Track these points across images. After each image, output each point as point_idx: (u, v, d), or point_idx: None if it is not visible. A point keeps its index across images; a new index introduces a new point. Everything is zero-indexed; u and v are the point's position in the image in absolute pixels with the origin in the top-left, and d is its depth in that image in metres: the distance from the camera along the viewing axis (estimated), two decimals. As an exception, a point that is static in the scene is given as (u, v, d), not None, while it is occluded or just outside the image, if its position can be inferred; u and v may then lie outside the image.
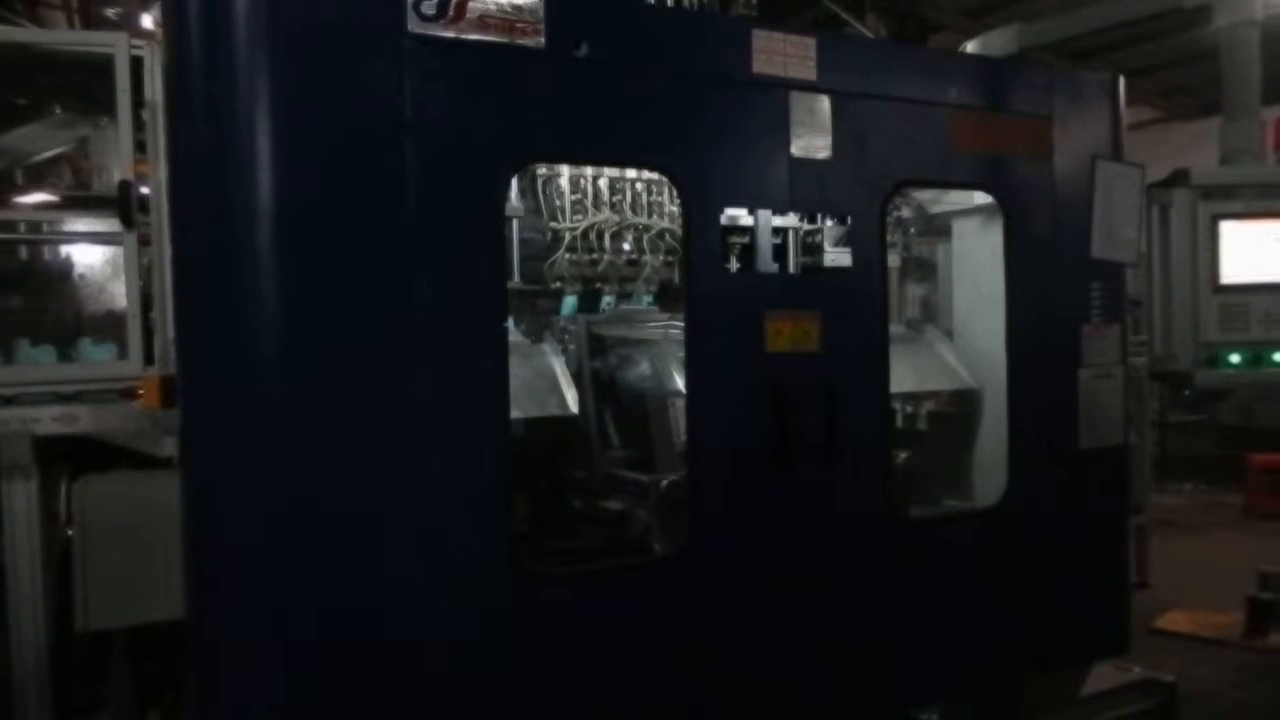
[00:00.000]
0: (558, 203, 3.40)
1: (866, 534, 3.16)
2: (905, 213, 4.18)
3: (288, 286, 2.38)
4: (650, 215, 3.52)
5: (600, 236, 3.43)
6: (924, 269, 4.44)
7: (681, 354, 3.45)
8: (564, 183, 3.39)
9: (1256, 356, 4.19)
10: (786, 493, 2.98)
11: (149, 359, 3.82)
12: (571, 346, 3.44)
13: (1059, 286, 3.57)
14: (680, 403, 3.25)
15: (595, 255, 3.45)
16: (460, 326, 2.54)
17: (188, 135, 2.46)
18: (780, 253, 3.33)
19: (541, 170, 3.38)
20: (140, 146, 3.90)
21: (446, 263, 2.52)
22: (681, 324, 3.52)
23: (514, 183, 3.33)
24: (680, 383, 3.32)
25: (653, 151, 2.85)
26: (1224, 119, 4.64)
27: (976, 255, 3.89)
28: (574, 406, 3.15)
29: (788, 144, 2.99)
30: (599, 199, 3.45)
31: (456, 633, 2.53)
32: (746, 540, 2.95)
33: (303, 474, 2.38)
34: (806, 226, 3.57)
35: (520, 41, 2.61)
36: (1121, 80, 3.72)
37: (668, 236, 3.52)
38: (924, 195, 4.12)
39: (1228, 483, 9.56)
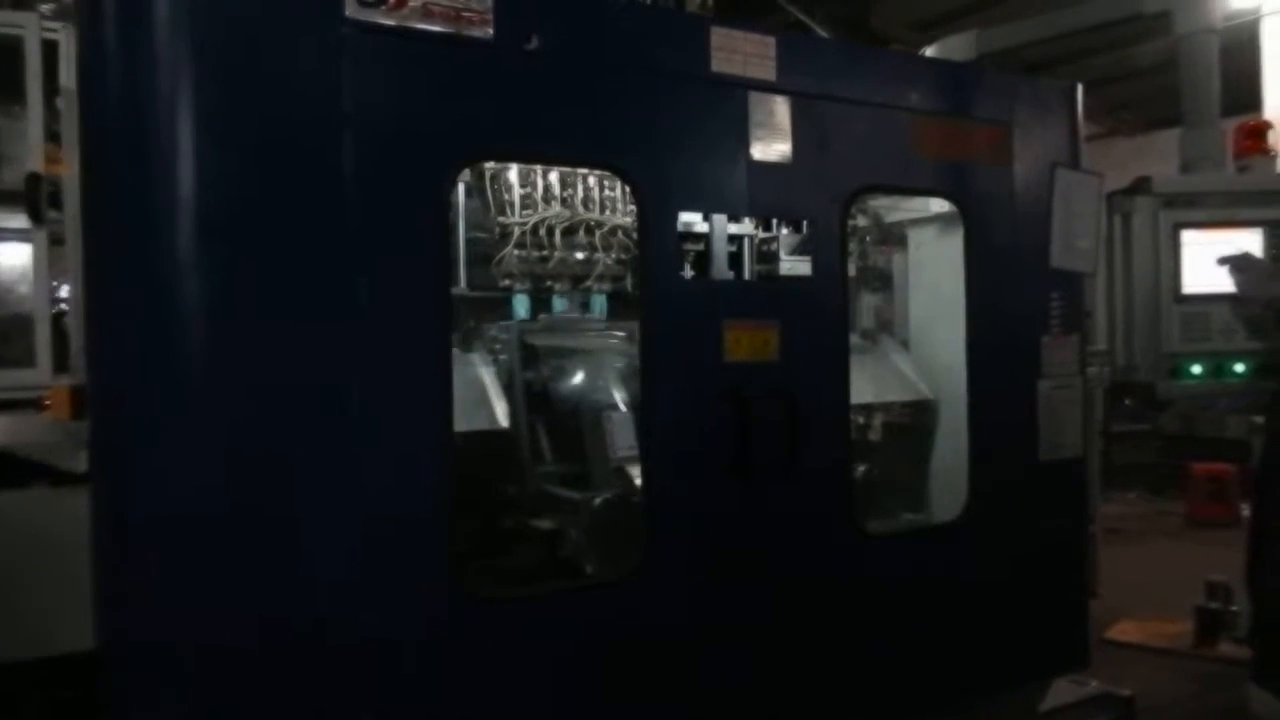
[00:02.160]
0: (506, 197, 3.24)
1: (826, 548, 3.06)
2: (861, 221, 4.11)
3: (210, 289, 2.21)
4: (603, 211, 3.38)
5: (551, 232, 3.28)
6: (880, 278, 4.38)
7: (619, 364, 3.31)
8: (513, 176, 3.24)
9: (1218, 367, 4.19)
10: (746, 505, 2.87)
11: (61, 366, 3.58)
12: (503, 356, 3.27)
13: (1019, 296, 3.52)
14: (617, 416, 3.12)
15: (545, 252, 3.30)
16: (401, 332, 2.39)
17: (102, 124, 2.27)
18: (735, 261, 3.25)
19: (490, 164, 3.23)
20: (54, 137, 3.65)
21: (387, 265, 2.36)
22: (620, 333, 3.40)
23: (461, 186, 3.20)
24: (618, 396, 3.16)
25: (607, 151, 2.72)
26: (1184, 127, 4.65)
27: (933, 264, 3.85)
28: (504, 420, 3.01)
29: (747, 146, 2.89)
30: (549, 193, 3.30)
31: (392, 659, 2.36)
32: (704, 555, 2.83)
33: (224, 489, 2.20)
34: (762, 234, 3.51)
35: (467, 32, 2.47)
36: (1080, 88, 3.69)
37: (621, 233, 3.39)
38: (880, 203, 4.06)
39: (1169, 491, 9.70)
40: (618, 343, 3.43)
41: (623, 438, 3.13)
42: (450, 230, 3.14)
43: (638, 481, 2.93)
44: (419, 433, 2.41)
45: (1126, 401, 8.11)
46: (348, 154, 2.31)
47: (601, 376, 3.29)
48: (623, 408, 3.22)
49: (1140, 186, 4.42)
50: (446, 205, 2.49)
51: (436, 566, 2.43)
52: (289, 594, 2.26)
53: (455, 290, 3.23)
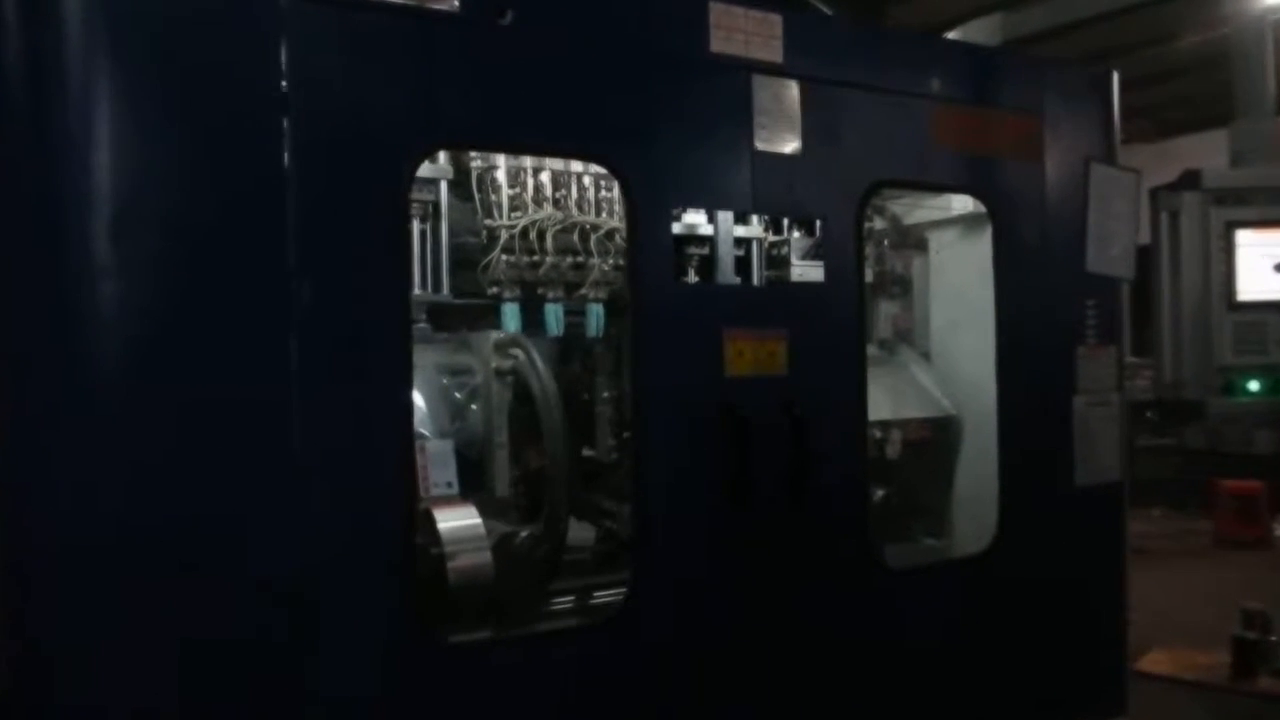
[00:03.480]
0: (494, 198, 2.95)
1: (839, 585, 2.73)
2: (878, 223, 3.81)
3: (129, 295, 1.92)
4: (599, 213, 3.07)
5: (542, 236, 2.98)
6: (898, 284, 4.07)
7: (444, 380, 2.90)
8: (501, 176, 2.94)
9: (1277, 383, 3.81)
10: (746, 538, 2.55)
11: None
12: None
13: (1052, 303, 3.20)
14: (430, 447, 2.59)
15: (536, 257, 2.99)
16: (351, 343, 2.08)
17: (4, 109, 1.97)
18: (743, 266, 2.94)
19: (476, 162, 2.93)
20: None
21: (335, 268, 2.06)
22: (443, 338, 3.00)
23: (443, 183, 2.89)
24: (429, 426, 2.70)
25: (591, 139, 2.41)
26: (1235, 119, 4.30)
27: (956, 269, 3.58)
28: None
29: (750, 135, 2.58)
30: (540, 194, 3.00)
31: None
32: (699, 594, 2.51)
33: (143, 517, 1.91)
34: (771, 237, 3.20)
35: (430, 4, 2.17)
36: (1115, 75, 3.37)
37: (618, 237, 3.08)
38: (898, 203, 3.75)
39: (1194, 508, 9.33)
40: (436, 354, 2.94)
41: (440, 471, 2.58)
42: (436, 233, 2.87)
43: (444, 525, 2.48)
44: (373, 457, 2.10)
45: (1148, 414, 7.75)
46: (288, 143, 2.01)
47: (416, 396, 2.58)
48: (437, 435, 2.68)
49: (1188, 181, 4.03)
50: (405, 200, 2.19)
51: (393, 610, 2.11)
52: (229, 638, 1.96)
53: (438, 297, 2.93)
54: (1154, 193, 3.60)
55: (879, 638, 2.80)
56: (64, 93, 1.91)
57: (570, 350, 3.21)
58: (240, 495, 1.98)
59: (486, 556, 2.49)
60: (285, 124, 2.01)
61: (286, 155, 2.01)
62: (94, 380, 1.92)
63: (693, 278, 2.89)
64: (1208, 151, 7.05)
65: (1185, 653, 5.58)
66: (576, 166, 3.05)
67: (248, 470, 1.98)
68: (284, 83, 2.00)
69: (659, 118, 2.46)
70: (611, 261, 3.10)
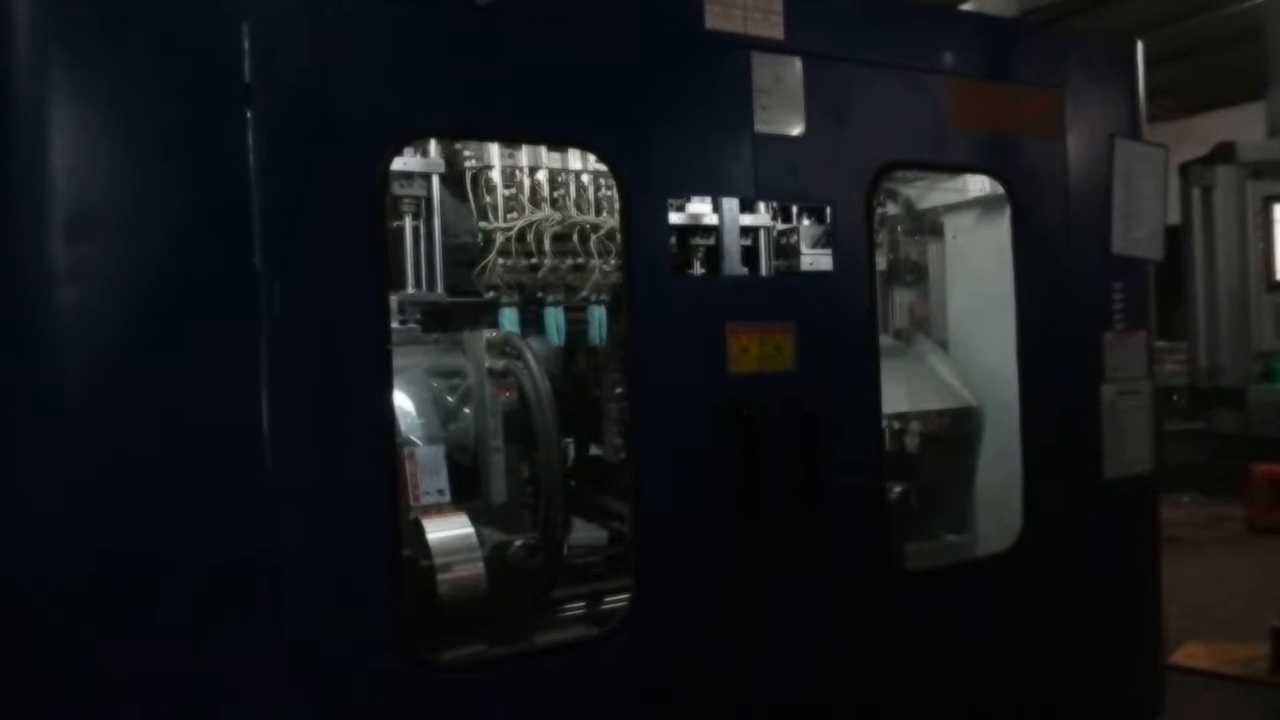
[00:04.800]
0: (488, 199, 2.82)
1: (856, 594, 2.58)
2: (890, 209, 3.65)
3: (79, 299, 1.79)
4: (599, 213, 2.94)
5: (540, 238, 2.85)
6: (913, 272, 3.92)
7: (435, 384, 2.74)
8: (496, 175, 2.81)
9: (1322, 370, 3.61)
10: (756, 547, 2.40)
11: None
12: None
13: (1076, 287, 3.03)
14: (419, 454, 2.44)
15: (534, 260, 2.86)
16: (324, 347, 1.96)
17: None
18: (750, 256, 2.81)
19: (470, 161, 2.80)
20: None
21: (304, 268, 1.94)
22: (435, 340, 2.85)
23: (435, 177, 2.77)
24: (418, 432, 2.54)
25: (579, 125, 2.27)
26: (1272, 86, 4.07)
27: (973, 254, 3.43)
28: None
29: (750, 117, 2.43)
30: (538, 194, 2.87)
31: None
32: (706, 608, 2.36)
33: (94, 533, 1.79)
34: (780, 225, 3.06)
35: (405, -16, 2.04)
36: (1140, 46, 3.19)
37: (619, 237, 2.94)
38: (911, 187, 3.59)
39: (1226, 494, 9.08)
40: (426, 356, 2.78)
41: (431, 479, 2.43)
42: (429, 230, 2.76)
43: (434, 536, 2.35)
44: (351, 467, 1.97)
45: (1175, 397, 7.52)
46: (252, 134, 1.88)
47: (404, 400, 2.54)
48: (427, 440, 2.52)
49: (1222, 154, 3.79)
50: (380, 194, 2.05)
51: (377, 631, 1.99)
52: (199, 664, 1.84)
53: (433, 296, 2.81)
54: (1185, 167, 3.38)
55: (900, 648, 2.65)
56: (10, 87, 1.80)
57: (574, 344, 3.08)
58: (205, 508, 1.86)
59: (479, 568, 2.37)
60: (249, 115, 1.88)
61: (251, 148, 1.89)
62: (46, 389, 1.81)
63: (698, 269, 2.78)
64: (1232, 129, 6.82)
65: (1222, 645, 5.39)
66: (575, 164, 2.93)
67: (213, 482, 1.86)
68: (247, 69, 1.88)
69: (652, 100, 2.32)
70: (614, 263, 2.97)
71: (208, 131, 1.88)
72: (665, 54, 2.33)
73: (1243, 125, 7.63)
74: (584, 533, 2.92)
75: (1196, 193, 3.76)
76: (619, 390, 2.95)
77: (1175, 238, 3.62)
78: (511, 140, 2.68)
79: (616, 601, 2.81)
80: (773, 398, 2.42)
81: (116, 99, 1.83)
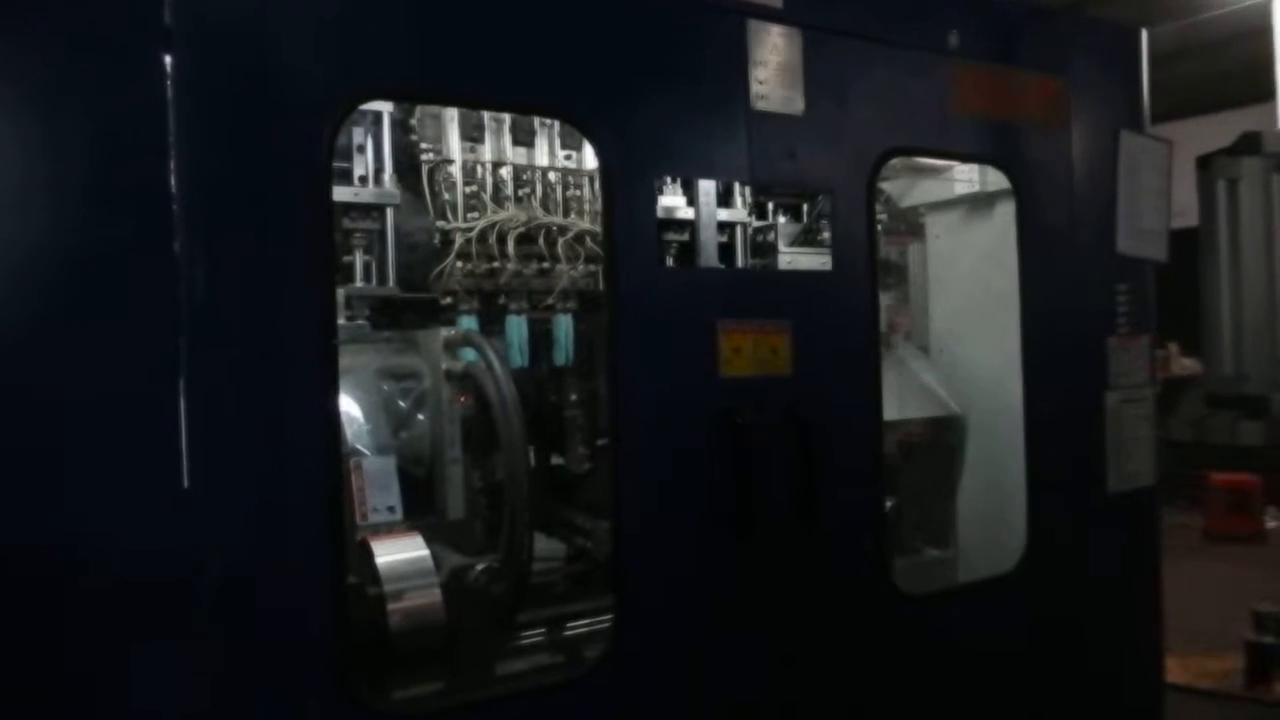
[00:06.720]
0: (447, 197, 2.54)
1: (853, 617, 2.35)
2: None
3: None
4: (568, 214, 2.68)
5: (503, 240, 2.57)
6: (892, 274, 3.72)
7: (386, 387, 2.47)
8: (456, 171, 2.53)
9: (1356, 379, 3.47)
10: (749, 567, 2.15)
11: None
12: None
13: (1081, 288, 2.83)
14: (367, 466, 2.21)
15: (496, 264, 2.58)
16: (255, 341, 1.66)
17: None
18: (726, 253, 2.57)
19: (427, 155, 2.51)
20: None
21: (232, 248, 1.64)
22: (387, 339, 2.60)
23: (388, 166, 2.47)
24: (366, 441, 2.29)
25: (554, 91, 2.00)
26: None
27: (958, 256, 3.25)
28: None
29: (746, 92, 2.19)
30: (501, 192, 2.60)
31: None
32: (690, 636, 2.11)
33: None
34: (756, 222, 2.83)
35: (357, -76, 1.75)
36: (1145, 34, 3.01)
37: (590, 240, 2.68)
38: (891, 184, 3.39)
39: (1180, 500, 9.14)
40: (376, 356, 2.52)
41: (380, 494, 2.20)
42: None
43: (383, 560, 2.09)
44: (285, 480, 1.68)
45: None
46: (171, 88, 1.58)
47: (351, 404, 2.28)
48: (376, 451, 2.28)
49: (1247, 144, 3.60)
50: (326, 164, 1.76)
51: (317, 672, 1.70)
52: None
53: (384, 291, 2.51)
54: (1205, 160, 3.21)
55: (902, 672, 2.42)
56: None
57: (536, 348, 2.80)
58: (110, 522, 1.56)
59: (435, 595, 2.08)
60: (169, 62, 1.58)
61: (170, 106, 1.58)
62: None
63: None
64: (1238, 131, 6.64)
65: (1195, 658, 5.30)
66: (543, 160, 2.65)
67: (122, 493, 1.57)
68: (167, 8, 1.58)
69: (638, 70, 2.07)
70: (581, 267, 2.69)
71: (116, 84, 1.58)
72: (653, 16, 2.08)
73: (1243, 126, 7.48)
74: (542, 545, 2.65)
75: (1221, 186, 3.58)
76: (576, 397, 2.70)
77: (1191, 238, 3.44)
78: (479, 106, 2.39)
79: (580, 626, 2.56)
80: (767, 404, 2.18)
81: (9, 44, 1.53)
